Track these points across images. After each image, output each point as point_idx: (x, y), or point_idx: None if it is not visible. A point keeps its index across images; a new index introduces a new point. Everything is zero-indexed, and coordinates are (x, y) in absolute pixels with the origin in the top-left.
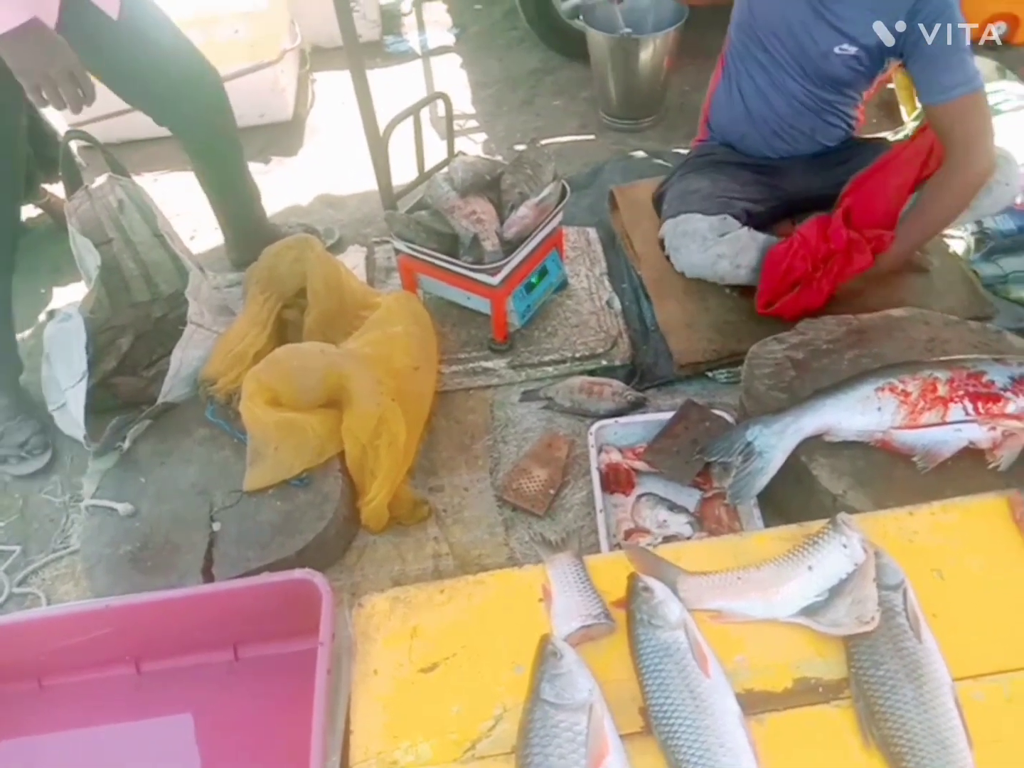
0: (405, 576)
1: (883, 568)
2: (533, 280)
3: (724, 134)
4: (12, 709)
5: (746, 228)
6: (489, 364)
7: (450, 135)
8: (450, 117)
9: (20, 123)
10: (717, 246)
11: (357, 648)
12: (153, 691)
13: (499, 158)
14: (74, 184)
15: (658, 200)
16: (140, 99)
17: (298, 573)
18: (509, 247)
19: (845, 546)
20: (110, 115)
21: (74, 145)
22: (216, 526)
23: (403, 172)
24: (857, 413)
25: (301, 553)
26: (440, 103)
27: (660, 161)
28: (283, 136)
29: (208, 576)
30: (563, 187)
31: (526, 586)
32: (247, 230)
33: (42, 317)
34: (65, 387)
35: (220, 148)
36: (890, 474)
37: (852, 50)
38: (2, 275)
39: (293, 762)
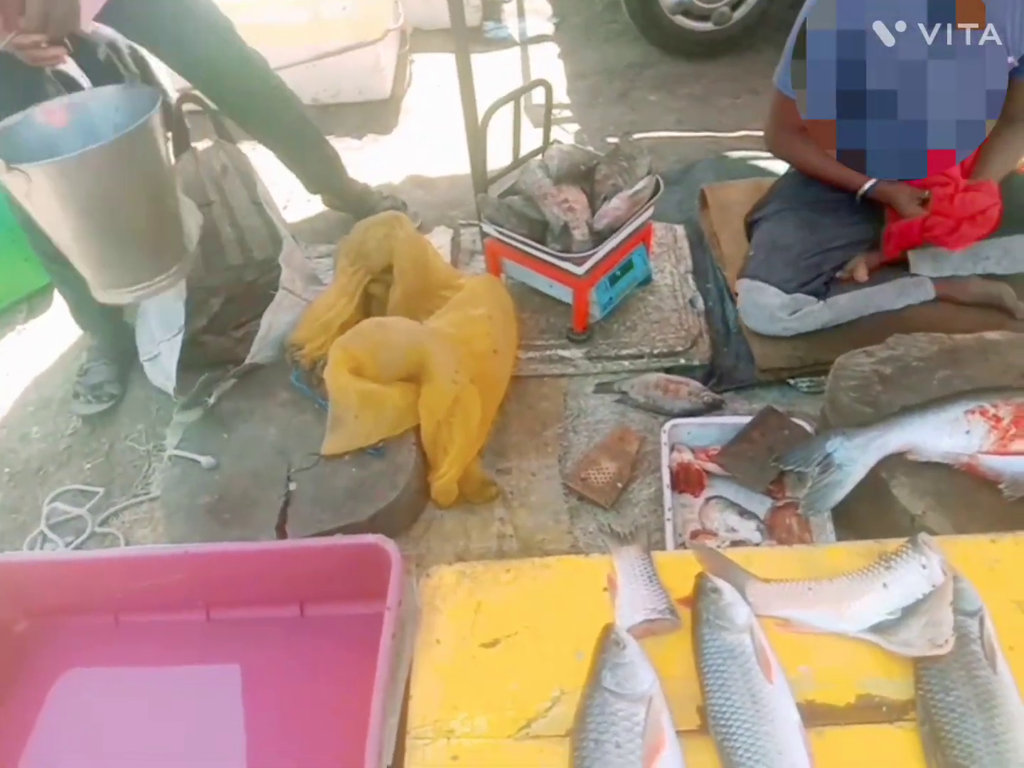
0: (469, 553)
1: (961, 593)
2: (618, 273)
3: None
4: (90, 640)
5: (822, 303)
6: (566, 353)
7: (547, 123)
8: (549, 105)
9: None
10: (787, 322)
11: (422, 617)
12: (221, 638)
13: (591, 149)
14: (182, 146)
15: (750, 226)
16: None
17: (370, 538)
18: (598, 238)
19: (924, 567)
20: None
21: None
22: (292, 486)
23: (496, 157)
24: (945, 434)
25: (372, 519)
26: (537, 91)
27: (756, 163)
28: (379, 114)
29: (282, 533)
30: (657, 182)
31: (592, 574)
32: (334, 193)
33: None
34: (159, 339)
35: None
36: (973, 499)
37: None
38: None
39: (352, 719)
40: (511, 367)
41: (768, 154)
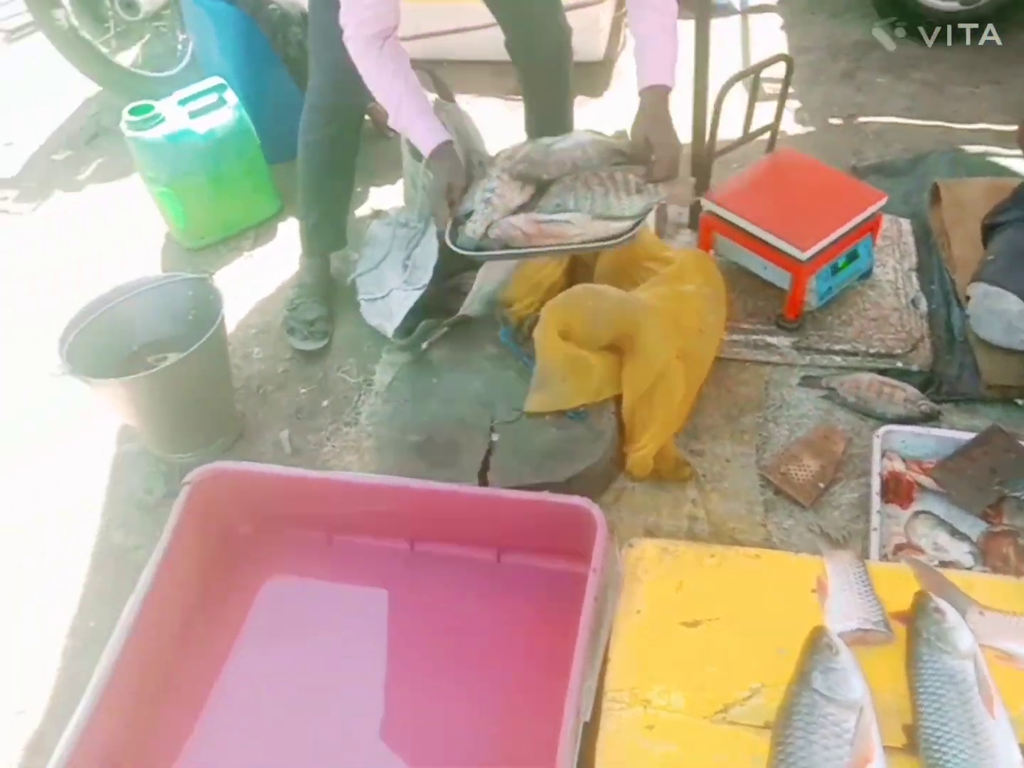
0: (659, 529)
1: None
2: (841, 262)
3: None
4: (304, 554)
5: None
6: (773, 340)
7: (782, 100)
8: (787, 82)
9: None
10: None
11: (624, 586)
12: (422, 569)
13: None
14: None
15: (988, 229)
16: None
17: (577, 499)
18: (487, 242)
19: None
20: (429, 34)
21: None
22: (495, 437)
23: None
24: None
25: (570, 481)
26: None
27: (996, 161)
28: (591, 76)
29: (483, 479)
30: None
31: (800, 573)
32: None
33: (361, 212)
34: (391, 287)
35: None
36: None
37: None
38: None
39: (549, 672)
40: (716, 348)
41: (1013, 152)
